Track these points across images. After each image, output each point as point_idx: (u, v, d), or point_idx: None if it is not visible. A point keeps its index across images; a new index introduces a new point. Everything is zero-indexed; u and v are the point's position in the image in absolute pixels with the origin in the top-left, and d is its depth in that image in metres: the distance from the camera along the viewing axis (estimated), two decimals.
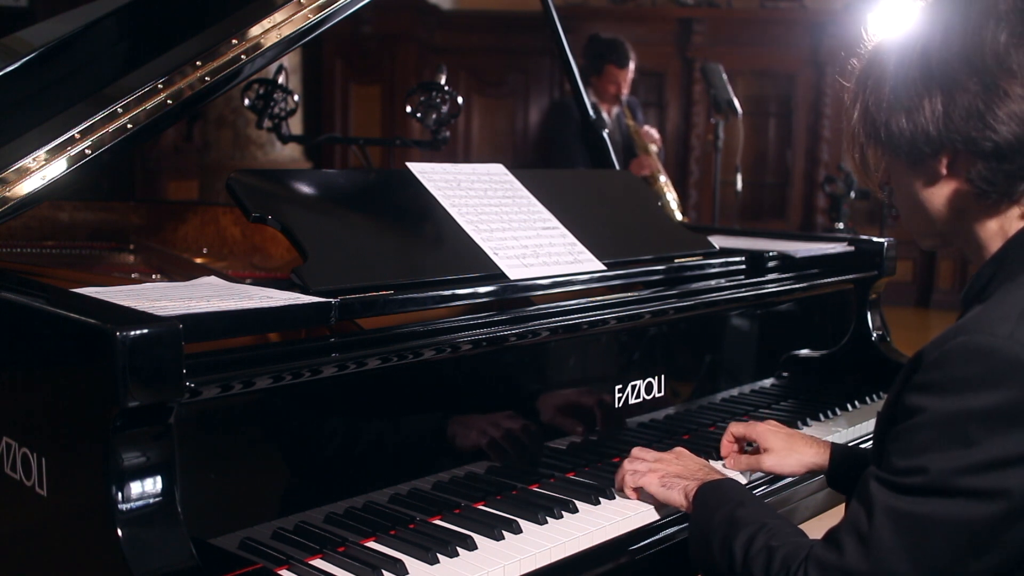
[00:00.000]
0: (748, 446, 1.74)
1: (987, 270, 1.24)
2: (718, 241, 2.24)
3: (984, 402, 1.08)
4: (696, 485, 1.46)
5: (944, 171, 1.23)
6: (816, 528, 1.39)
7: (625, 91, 5.08)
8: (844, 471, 1.61)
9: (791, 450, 1.66)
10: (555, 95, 8.48)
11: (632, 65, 5.04)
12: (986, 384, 1.08)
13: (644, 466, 1.57)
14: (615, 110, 5.10)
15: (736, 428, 1.74)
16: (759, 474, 1.71)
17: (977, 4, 1.19)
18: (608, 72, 5.00)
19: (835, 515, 1.36)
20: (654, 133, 5.27)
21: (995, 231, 1.24)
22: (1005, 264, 1.21)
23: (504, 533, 1.43)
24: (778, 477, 1.71)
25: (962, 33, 1.18)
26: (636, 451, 1.63)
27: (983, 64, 1.16)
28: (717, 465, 1.69)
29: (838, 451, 1.65)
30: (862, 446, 1.88)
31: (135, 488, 1.15)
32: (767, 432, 1.69)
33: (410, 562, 1.32)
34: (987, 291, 1.21)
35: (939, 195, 1.26)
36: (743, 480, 1.68)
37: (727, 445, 1.75)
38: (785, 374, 2.24)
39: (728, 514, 1.34)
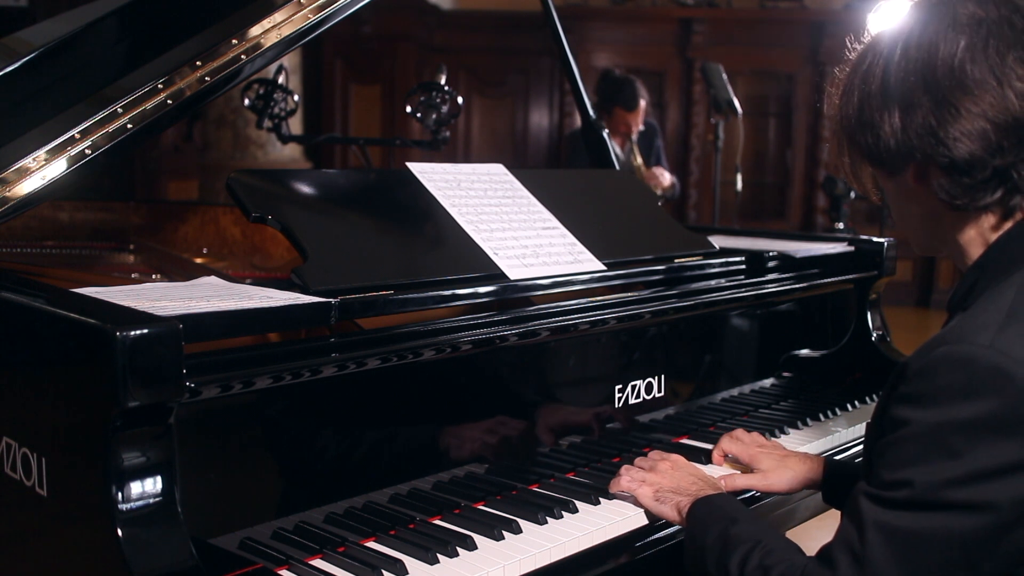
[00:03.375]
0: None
1: (969, 277, 1.23)
2: (718, 241, 2.23)
3: (966, 413, 1.06)
4: (689, 501, 1.44)
5: (912, 182, 1.23)
6: (817, 527, 1.39)
7: (635, 130, 5.01)
8: (837, 485, 1.59)
9: (784, 468, 1.64)
10: (555, 95, 8.49)
11: (643, 104, 4.96)
12: (967, 394, 1.06)
13: (640, 475, 1.55)
14: (627, 145, 5.04)
15: (729, 448, 1.72)
16: None
17: (937, 13, 1.17)
18: (617, 114, 4.96)
19: (834, 516, 1.36)
20: (664, 177, 5.06)
21: (973, 237, 1.23)
22: (986, 271, 1.21)
23: (504, 533, 1.42)
24: None
25: (917, 46, 1.17)
26: (625, 469, 1.60)
27: (934, 79, 1.15)
28: (713, 472, 1.67)
29: (831, 465, 1.63)
30: (856, 461, 1.87)
31: (135, 488, 1.15)
32: (759, 456, 1.67)
33: (410, 562, 1.32)
34: (969, 298, 1.20)
35: (915, 203, 1.26)
36: None
37: (718, 458, 1.75)
38: (785, 374, 2.24)
39: (722, 532, 1.32)
